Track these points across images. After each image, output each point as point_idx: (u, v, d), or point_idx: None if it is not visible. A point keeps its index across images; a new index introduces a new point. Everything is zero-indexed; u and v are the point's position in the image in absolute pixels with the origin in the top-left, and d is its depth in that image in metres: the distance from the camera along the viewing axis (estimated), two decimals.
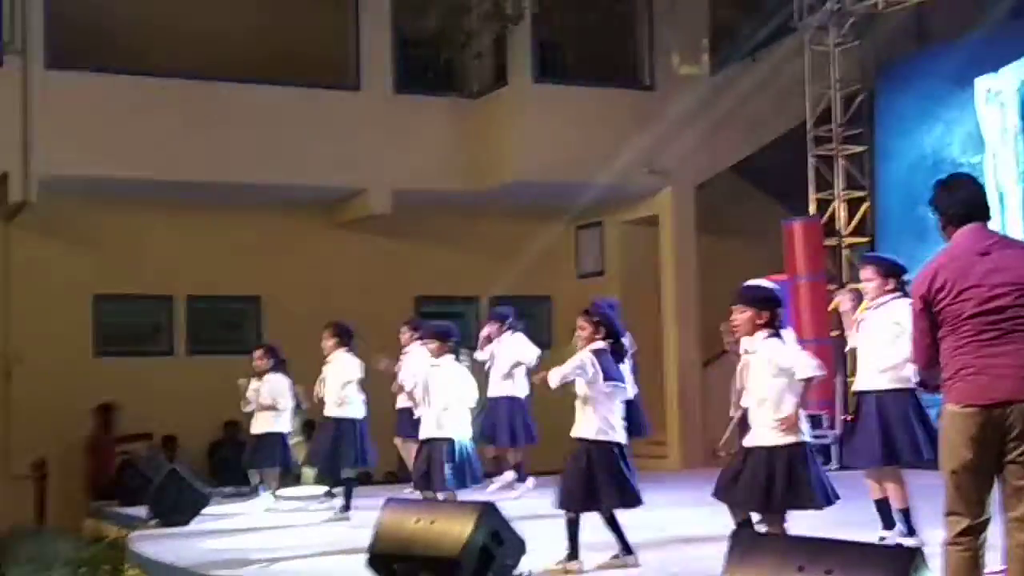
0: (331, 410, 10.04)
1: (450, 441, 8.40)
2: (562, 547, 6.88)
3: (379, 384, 10.09)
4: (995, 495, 4.64)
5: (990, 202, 4.96)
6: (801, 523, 6.24)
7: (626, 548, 6.97)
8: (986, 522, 4.63)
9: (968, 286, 4.68)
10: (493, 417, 10.59)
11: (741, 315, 6.35)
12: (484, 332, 10.95)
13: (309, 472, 11.96)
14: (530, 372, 10.59)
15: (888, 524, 7.10)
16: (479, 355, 10.48)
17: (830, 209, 13.80)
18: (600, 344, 7.02)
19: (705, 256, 14.77)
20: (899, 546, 5.53)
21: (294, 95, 14.07)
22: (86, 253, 14.13)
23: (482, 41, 14.70)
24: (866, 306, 7.31)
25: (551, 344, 13.66)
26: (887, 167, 13.71)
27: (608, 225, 16.02)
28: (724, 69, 14.72)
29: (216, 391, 11.82)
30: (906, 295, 6.69)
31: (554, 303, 15.79)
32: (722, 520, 6.63)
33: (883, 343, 7.06)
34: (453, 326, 8.89)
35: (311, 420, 11.39)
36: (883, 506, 7.16)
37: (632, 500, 6.88)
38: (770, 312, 6.32)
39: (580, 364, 6.91)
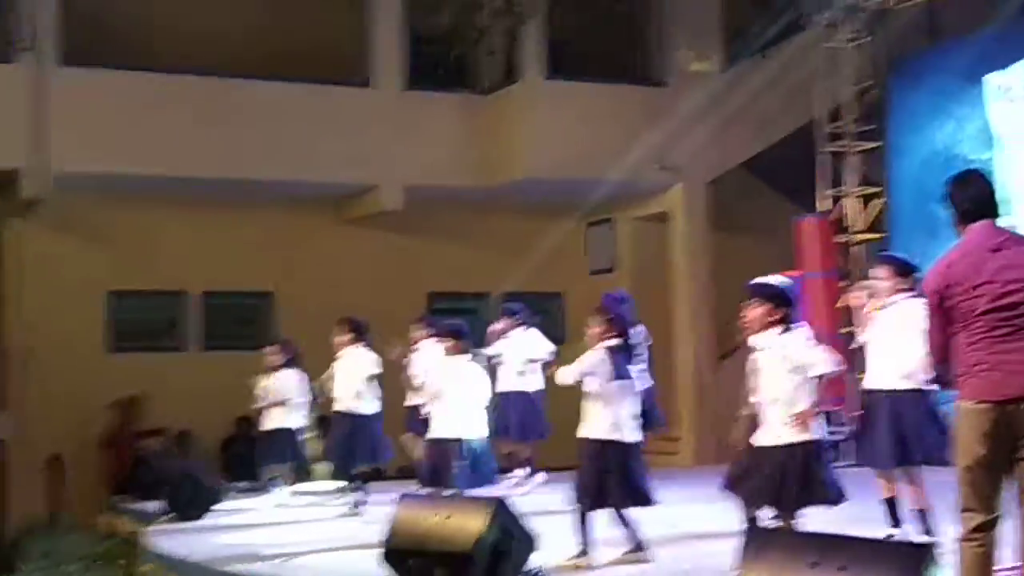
0: (346, 405, 10.06)
1: (463, 441, 8.43)
2: (574, 542, 6.90)
3: (388, 380, 10.13)
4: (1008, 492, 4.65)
5: (1000, 198, 4.97)
6: (813, 520, 6.25)
7: (638, 544, 6.99)
8: (999, 518, 4.64)
9: (981, 282, 4.69)
10: (504, 412, 10.60)
11: (754, 311, 6.34)
12: (494, 328, 10.97)
13: (323, 467, 11.99)
14: (544, 367, 10.62)
15: (895, 523, 7.10)
16: (488, 350, 10.50)
17: (842, 206, 13.78)
18: (612, 342, 7.03)
19: (716, 253, 14.78)
20: (912, 542, 5.54)
21: (306, 92, 14.11)
22: (100, 249, 14.20)
23: (493, 38, 14.71)
24: (877, 304, 7.31)
25: (563, 341, 13.64)
26: (899, 163, 13.69)
27: (619, 221, 16.03)
28: (735, 65, 14.70)
29: (229, 387, 11.87)
30: (919, 294, 6.70)
31: (565, 299, 15.81)
32: (734, 516, 6.64)
33: (896, 343, 7.04)
34: (465, 325, 8.90)
35: (323, 415, 11.42)
36: (892, 505, 7.16)
37: (642, 499, 6.88)
38: (784, 308, 6.32)
39: (592, 362, 6.92)
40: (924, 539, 6.80)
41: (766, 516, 6.74)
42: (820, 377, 6.25)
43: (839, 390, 12.31)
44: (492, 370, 10.39)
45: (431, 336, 9.91)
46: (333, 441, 10.29)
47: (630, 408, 7.00)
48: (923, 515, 6.93)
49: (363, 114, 14.24)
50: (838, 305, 12.93)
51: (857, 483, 7.14)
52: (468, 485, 8.35)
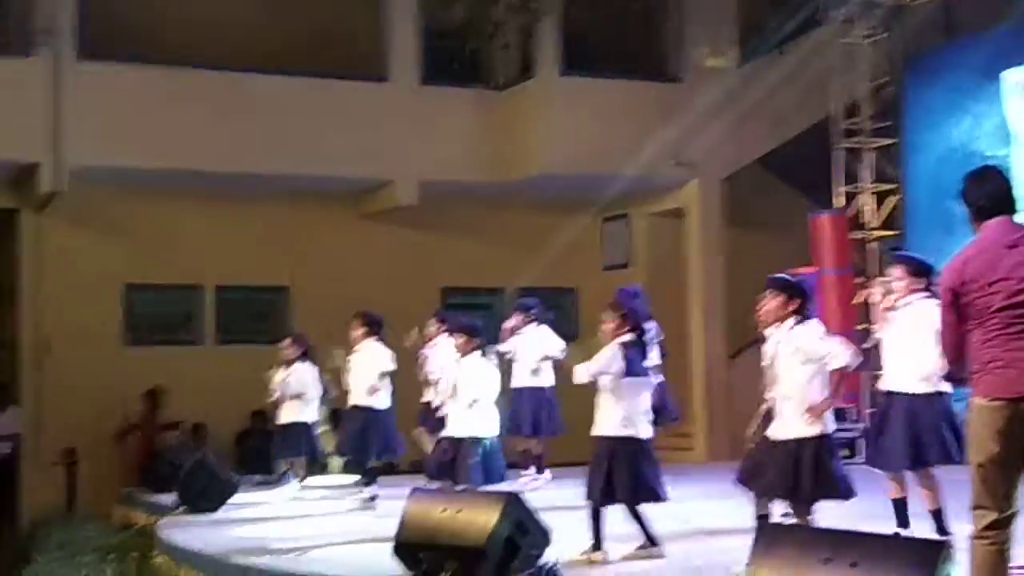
0: (360, 399, 10.08)
1: (478, 439, 8.44)
2: (587, 538, 6.91)
3: (402, 374, 10.15)
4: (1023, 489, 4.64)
5: (1017, 195, 4.94)
6: (824, 516, 6.24)
7: (651, 540, 6.99)
8: (1013, 516, 4.62)
9: (997, 279, 4.67)
10: (517, 408, 10.61)
11: (771, 301, 6.34)
12: (508, 324, 10.96)
13: (336, 461, 12.03)
14: (557, 364, 10.62)
15: (903, 523, 7.08)
16: (502, 347, 10.49)
17: (858, 202, 13.75)
18: (626, 337, 7.02)
19: (731, 249, 14.75)
20: (925, 539, 5.52)
21: (321, 86, 14.13)
22: (117, 243, 14.25)
23: (509, 33, 14.71)
24: (890, 303, 7.29)
25: (576, 336, 13.65)
26: (915, 160, 13.64)
27: (634, 217, 16.02)
28: (751, 61, 14.67)
29: (245, 380, 11.91)
30: (934, 295, 6.69)
31: (579, 295, 15.80)
32: (747, 512, 6.64)
33: (912, 344, 7.02)
34: (480, 324, 8.90)
35: (337, 409, 11.46)
36: (900, 505, 7.15)
37: (652, 496, 6.87)
38: (800, 300, 6.32)
39: (608, 359, 6.91)
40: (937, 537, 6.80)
41: (779, 513, 6.74)
42: (840, 371, 6.23)
43: (852, 386, 12.31)
44: (506, 366, 10.41)
45: (444, 332, 9.93)
46: (346, 435, 10.31)
47: (643, 404, 6.99)
48: (937, 515, 6.91)
49: (378, 109, 14.25)
50: (854, 302, 12.93)
51: (868, 480, 7.13)
52: (479, 482, 8.36)
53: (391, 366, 10.04)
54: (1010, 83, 12.49)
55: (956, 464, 6.63)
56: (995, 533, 4.58)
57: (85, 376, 13.64)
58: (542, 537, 6.39)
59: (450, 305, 13.90)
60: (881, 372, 7.38)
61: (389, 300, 12.20)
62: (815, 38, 14.11)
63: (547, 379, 10.83)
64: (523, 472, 10.72)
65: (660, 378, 8.29)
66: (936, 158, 13.24)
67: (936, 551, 4.16)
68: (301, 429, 11.01)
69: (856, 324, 12.14)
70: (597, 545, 6.90)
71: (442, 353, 9.88)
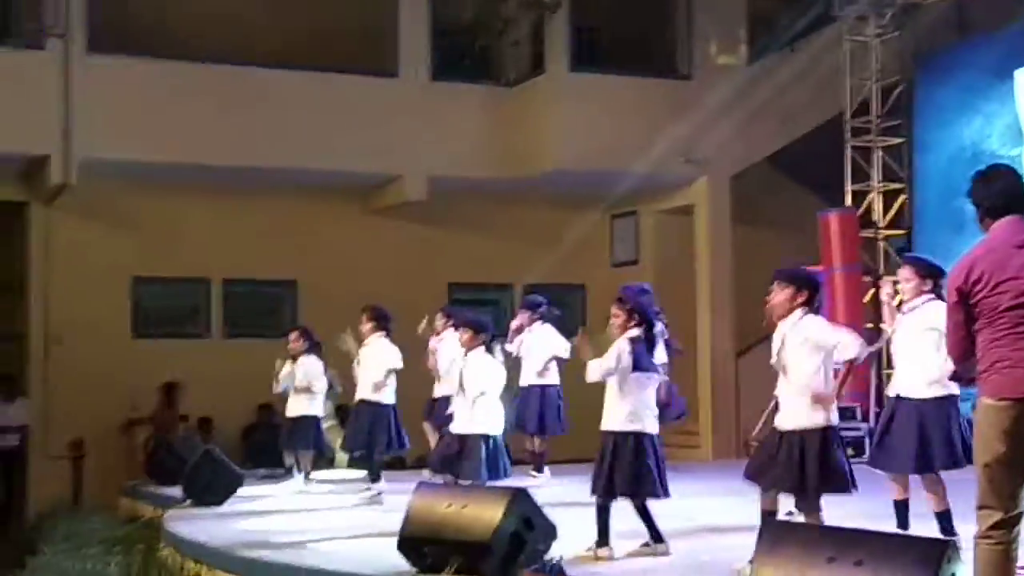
0: (366, 394, 10.09)
1: (484, 436, 8.44)
2: (592, 534, 6.90)
3: (409, 368, 10.16)
4: None
5: None
6: (827, 515, 6.23)
7: (657, 536, 6.98)
8: (1019, 516, 4.60)
9: (1005, 278, 4.65)
10: (525, 406, 10.62)
11: (779, 293, 6.32)
12: (515, 323, 10.92)
13: (342, 456, 12.03)
14: (562, 364, 10.63)
15: (902, 525, 7.07)
16: (509, 347, 10.47)
17: (867, 201, 13.73)
18: (634, 332, 7.00)
19: (740, 246, 14.73)
20: (929, 538, 5.50)
21: (331, 81, 14.14)
22: (125, 236, 14.28)
23: (519, 29, 14.72)
24: (899, 303, 7.28)
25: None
26: (925, 159, 13.61)
27: (643, 214, 16.00)
28: (761, 59, 14.65)
29: (251, 374, 11.92)
30: (941, 298, 6.67)
31: (588, 292, 15.79)
32: (752, 510, 6.62)
33: (920, 348, 6.99)
34: (489, 320, 8.88)
35: (343, 404, 11.46)
36: (901, 507, 7.13)
37: (655, 492, 6.86)
38: (808, 292, 6.31)
39: (618, 355, 6.89)
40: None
41: (784, 512, 6.72)
42: (849, 362, 6.23)
43: (860, 385, 12.30)
44: (513, 364, 10.40)
45: (451, 327, 9.92)
46: (353, 431, 10.31)
47: (650, 399, 6.98)
48: (943, 516, 6.90)
49: (388, 105, 14.26)
50: (863, 300, 12.91)
51: (870, 480, 7.12)
52: (484, 478, 8.35)
53: (399, 364, 10.04)
54: (1022, 82, 12.45)
55: (962, 465, 6.62)
56: (1000, 533, 4.57)
57: (93, 368, 13.67)
58: (548, 532, 6.38)
59: (458, 301, 13.90)
60: (891, 371, 7.36)
61: (397, 295, 12.20)
62: (826, 35, 14.10)
63: (554, 378, 10.83)
64: (533, 473, 10.72)
65: (664, 378, 8.25)
66: (946, 157, 13.22)
67: (940, 550, 4.15)
68: (309, 423, 11.01)
69: (865, 322, 12.11)
70: (603, 541, 6.89)
71: (449, 348, 9.88)
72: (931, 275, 7.13)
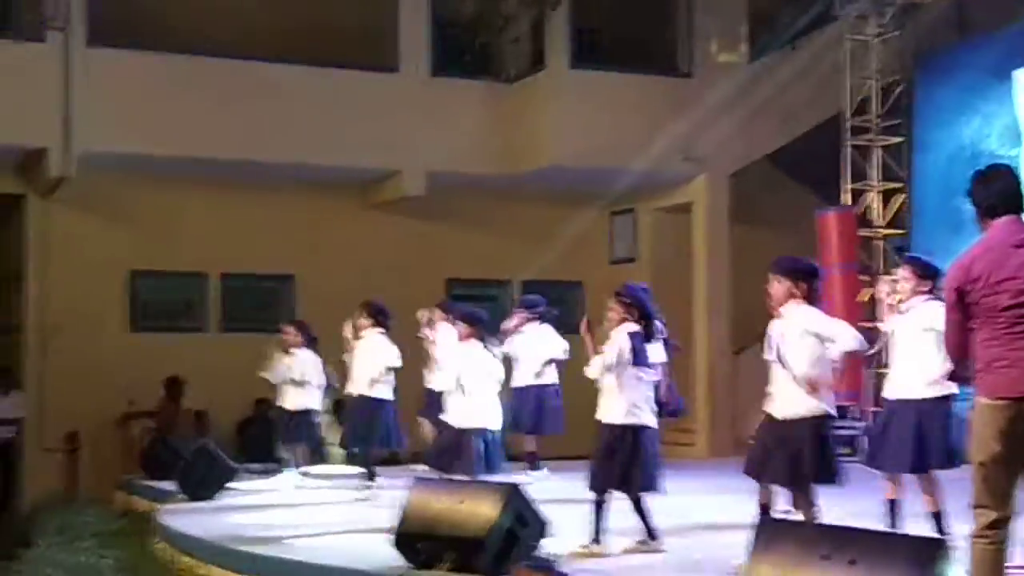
0: (362, 389, 10.07)
1: (480, 430, 8.43)
2: (587, 530, 6.89)
3: (406, 364, 10.15)
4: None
5: None
6: (822, 513, 6.23)
7: (651, 533, 6.98)
8: (1012, 515, 4.60)
9: (1003, 278, 4.65)
10: (519, 405, 10.60)
11: (777, 286, 6.32)
12: (509, 323, 10.88)
13: (337, 451, 12.03)
14: (561, 364, 10.63)
15: (893, 524, 7.06)
16: (503, 348, 10.43)
17: (866, 200, 13.72)
18: (633, 327, 6.99)
19: (738, 245, 14.71)
20: (923, 536, 5.50)
21: (331, 76, 14.11)
22: (123, 229, 14.25)
23: (519, 25, 14.70)
24: (896, 302, 7.27)
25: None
26: (924, 158, 13.60)
27: (641, 212, 15.99)
28: (762, 57, 14.63)
29: (248, 369, 11.89)
30: (938, 298, 6.66)
31: (585, 289, 15.77)
32: (747, 508, 6.63)
33: (918, 348, 6.98)
34: (483, 313, 8.87)
35: (340, 400, 11.45)
36: (893, 507, 7.13)
37: (654, 485, 6.86)
38: (806, 284, 6.31)
39: (619, 349, 6.88)
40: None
41: (781, 508, 6.72)
42: (847, 355, 6.23)
43: (854, 384, 12.28)
44: (507, 365, 10.38)
45: (446, 320, 9.91)
46: (349, 427, 10.30)
47: (647, 393, 6.98)
48: (938, 517, 6.90)
49: (388, 100, 14.24)
50: (860, 299, 12.90)
51: (865, 479, 7.11)
52: (480, 473, 8.34)
53: (397, 363, 10.03)
54: (1021, 83, 12.44)
55: (956, 467, 6.62)
56: (994, 532, 4.57)
57: (89, 362, 13.65)
58: (541, 529, 6.38)
59: (456, 296, 13.88)
60: (885, 372, 7.35)
61: (394, 290, 12.19)
62: (827, 34, 14.07)
63: (550, 378, 10.81)
64: (529, 472, 10.71)
65: (657, 377, 8.24)
66: (945, 157, 13.20)
67: (934, 549, 4.15)
68: (306, 417, 11.01)
69: (861, 322, 12.09)
70: (597, 538, 6.89)
71: (444, 341, 9.86)
72: (929, 275, 7.13)
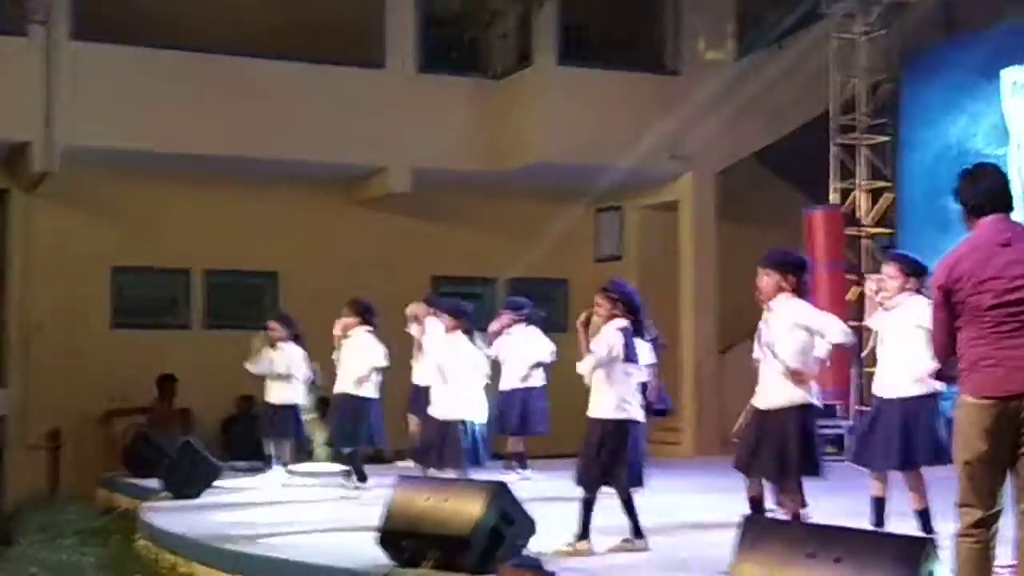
0: (348, 388, 10.03)
1: (466, 422, 8.40)
2: (572, 528, 6.87)
3: (392, 360, 10.11)
4: (1008, 488, 4.61)
5: (1013, 193, 4.91)
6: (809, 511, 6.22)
7: (638, 532, 6.95)
8: (997, 514, 4.60)
9: (988, 277, 4.65)
10: (506, 408, 10.58)
11: (766, 279, 6.31)
12: (494, 326, 10.83)
13: (323, 448, 11.99)
14: (548, 367, 10.60)
15: (879, 522, 7.06)
16: (490, 351, 10.37)
17: (852, 199, 13.73)
18: (622, 322, 6.96)
19: (724, 243, 14.72)
20: (909, 535, 5.50)
21: (317, 72, 14.06)
22: (106, 224, 14.17)
23: (507, 22, 14.66)
24: (882, 300, 7.27)
25: (567, 328, 13.59)
26: (911, 157, 13.62)
27: (628, 209, 15.97)
28: (749, 55, 14.63)
29: (232, 366, 11.83)
30: (924, 295, 6.66)
31: (571, 286, 15.76)
32: (733, 507, 6.60)
33: (904, 346, 6.99)
34: (468, 306, 8.85)
35: (325, 397, 11.41)
36: (879, 504, 7.13)
37: (636, 480, 6.84)
38: (796, 277, 6.30)
39: (609, 345, 6.85)
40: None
41: (770, 503, 6.72)
42: (835, 347, 6.23)
43: (841, 383, 12.29)
44: (495, 366, 10.34)
45: (431, 314, 9.87)
46: (337, 426, 10.26)
47: (634, 388, 6.96)
48: (923, 514, 6.90)
49: (374, 96, 14.18)
50: (847, 298, 12.91)
51: (850, 477, 7.11)
52: (467, 466, 8.32)
53: (383, 362, 9.98)
54: (1007, 82, 12.46)
55: (944, 464, 6.60)
56: (980, 531, 4.56)
57: (71, 358, 13.57)
58: (527, 527, 6.36)
59: (442, 294, 13.82)
60: (874, 369, 7.35)
61: (380, 288, 12.14)
62: (814, 33, 14.07)
63: (536, 380, 10.79)
64: (518, 470, 10.68)
65: (645, 377, 8.22)
66: (932, 156, 13.22)
67: (920, 548, 4.13)
68: (290, 411, 10.97)
69: (848, 320, 12.09)
70: (583, 536, 6.86)
71: (429, 335, 9.82)
72: (916, 273, 7.13)
